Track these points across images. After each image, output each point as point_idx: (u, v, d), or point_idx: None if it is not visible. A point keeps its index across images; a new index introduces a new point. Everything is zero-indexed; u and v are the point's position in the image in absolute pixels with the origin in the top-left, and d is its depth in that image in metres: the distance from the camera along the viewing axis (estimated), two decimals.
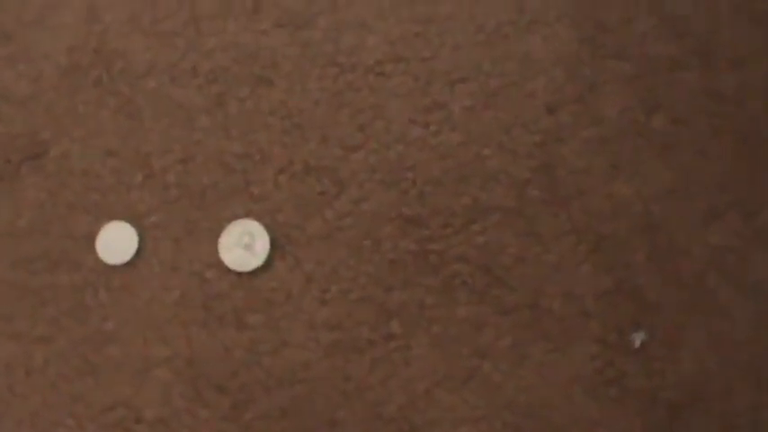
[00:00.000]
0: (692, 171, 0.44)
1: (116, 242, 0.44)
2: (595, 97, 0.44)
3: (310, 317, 0.43)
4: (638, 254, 0.43)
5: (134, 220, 0.44)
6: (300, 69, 0.45)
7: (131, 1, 0.46)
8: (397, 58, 0.45)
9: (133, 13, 0.46)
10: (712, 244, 0.43)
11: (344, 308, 0.43)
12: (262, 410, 0.42)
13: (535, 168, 0.44)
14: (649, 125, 0.44)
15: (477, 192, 0.43)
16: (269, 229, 0.43)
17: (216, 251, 0.43)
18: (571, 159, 0.44)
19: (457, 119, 0.44)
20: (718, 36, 0.45)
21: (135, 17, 0.46)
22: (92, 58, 0.46)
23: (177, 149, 0.45)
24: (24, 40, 0.47)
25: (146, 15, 0.46)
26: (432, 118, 0.44)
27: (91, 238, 0.44)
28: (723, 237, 0.43)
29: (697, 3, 0.45)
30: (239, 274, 0.43)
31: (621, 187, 0.43)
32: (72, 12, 0.47)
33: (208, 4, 0.46)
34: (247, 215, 0.44)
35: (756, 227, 0.43)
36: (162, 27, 0.46)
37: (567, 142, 0.44)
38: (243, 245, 0.43)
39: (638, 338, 0.42)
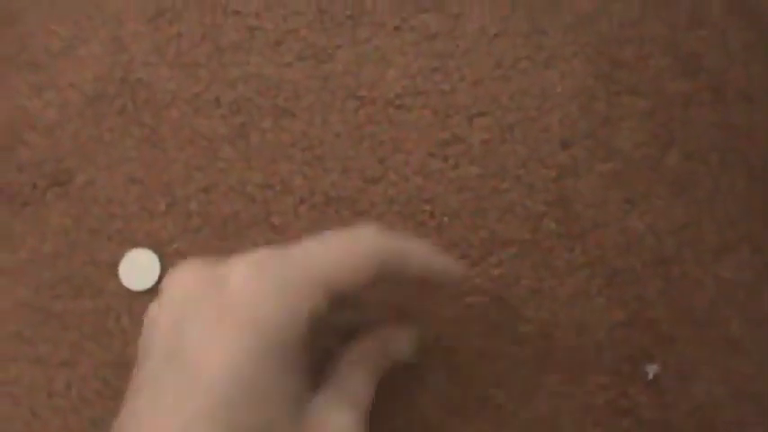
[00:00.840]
0: (705, 206, 0.44)
1: (138, 269, 0.45)
2: (610, 132, 0.45)
3: None
4: (650, 287, 0.44)
5: (156, 248, 0.45)
6: (322, 102, 0.46)
7: (156, 33, 0.48)
8: (417, 92, 0.46)
9: (158, 45, 0.47)
10: (724, 278, 0.44)
11: None
12: None
13: (551, 202, 0.44)
14: (663, 160, 0.45)
15: (493, 224, 0.44)
16: None
17: None
18: (586, 193, 0.44)
19: (475, 152, 0.45)
20: (731, 72, 0.46)
21: (159, 48, 0.47)
22: (117, 88, 0.47)
23: (200, 178, 0.46)
24: (52, 70, 0.48)
25: (170, 47, 0.47)
26: (450, 151, 0.45)
27: (114, 265, 0.45)
28: (734, 271, 0.44)
29: (710, 40, 0.46)
30: None
31: (635, 221, 0.44)
32: (99, 43, 0.48)
33: (231, 37, 0.47)
34: (268, 245, 0.45)
35: (766, 261, 0.44)
36: (186, 58, 0.47)
37: (582, 177, 0.45)
38: None
39: (651, 370, 0.43)
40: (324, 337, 0.35)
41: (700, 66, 0.46)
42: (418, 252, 0.31)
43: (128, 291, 0.45)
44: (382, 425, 0.42)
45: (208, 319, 0.27)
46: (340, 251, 0.29)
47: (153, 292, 0.45)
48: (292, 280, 0.28)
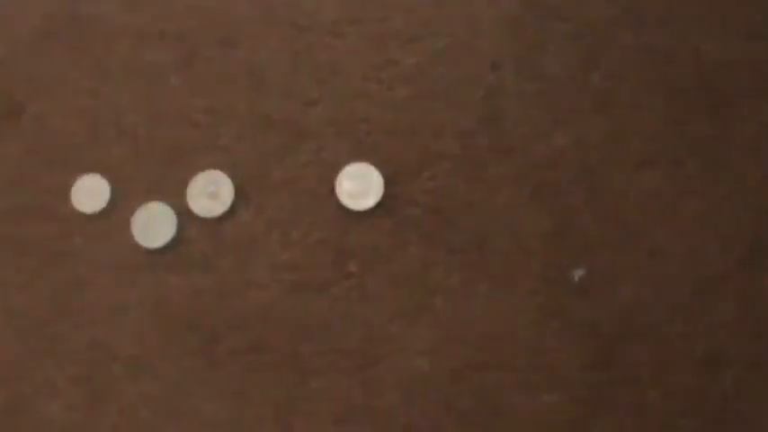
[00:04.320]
0: (627, 122, 0.47)
1: (90, 192, 0.47)
2: (537, 55, 0.48)
3: (273, 259, 0.46)
4: (577, 198, 0.46)
5: (107, 173, 0.47)
6: (263, 31, 0.48)
7: None
8: (353, 20, 0.48)
9: None
10: (647, 188, 0.46)
11: (305, 250, 0.46)
12: (229, 346, 0.45)
13: (480, 119, 0.47)
14: (587, 80, 0.48)
15: (427, 141, 0.47)
16: (233, 178, 0.46)
17: (184, 200, 0.46)
18: (514, 111, 0.47)
19: (407, 74, 0.48)
20: None
21: None
22: (65, 23, 0.49)
23: (147, 106, 0.48)
24: (0, 6, 0.49)
25: None
26: (384, 74, 0.48)
27: (66, 190, 0.47)
28: (656, 182, 0.47)
29: None
30: (206, 220, 0.46)
31: (561, 137, 0.47)
32: None
33: None
34: (214, 167, 0.47)
35: (685, 174, 0.47)
36: None
37: (511, 96, 0.47)
38: (209, 193, 0.46)
39: (577, 275, 0.46)
40: None
41: None
42: None
43: (80, 214, 0.47)
44: (326, 331, 0.45)
45: None
46: None
47: (104, 214, 0.47)
48: None
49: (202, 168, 0.47)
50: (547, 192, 0.46)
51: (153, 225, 0.46)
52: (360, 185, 0.46)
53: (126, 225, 0.46)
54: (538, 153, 0.47)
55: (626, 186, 0.46)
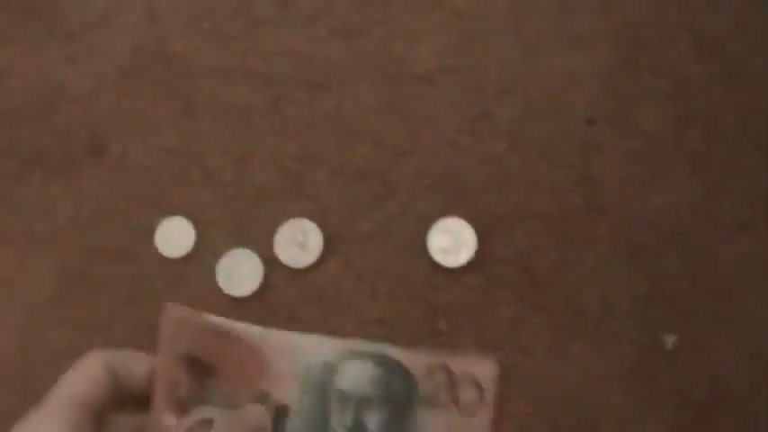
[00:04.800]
0: (722, 184, 0.46)
1: (174, 236, 0.46)
2: (632, 111, 0.47)
3: (360, 313, 0.45)
4: (671, 261, 0.45)
5: (191, 216, 0.46)
6: (354, 77, 0.47)
7: (190, 5, 0.49)
8: (446, 69, 0.47)
9: (192, 17, 0.48)
10: (741, 253, 0.45)
11: (393, 305, 0.45)
12: None
13: (575, 177, 0.46)
14: (682, 139, 0.47)
15: (520, 198, 0.46)
16: (322, 227, 0.46)
17: (271, 248, 0.45)
18: (609, 170, 0.46)
19: (502, 128, 0.47)
20: (749, 56, 0.48)
21: (194, 21, 0.48)
22: (152, 59, 0.48)
23: (234, 149, 0.47)
24: (87, 40, 0.49)
25: (205, 20, 0.48)
26: (478, 127, 0.47)
27: (149, 232, 0.46)
28: (751, 247, 0.46)
29: (729, 25, 0.48)
30: (293, 270, 0.45)
31: (656, 197, 0.46)
32: (134, 14, 0.49)
33: (265, 11, 0.48)
34: (301, 214, 0.46)
35: None
36: (220, 31, 0.48)
37: (606, 153, 0.46)
38: (297, 243, 0.45)
39: (669, 340, 0.45)
40: None
41: (720, 49, 0.47)
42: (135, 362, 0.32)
43: (163, 257, 0.46)
44: None
45: None
46: (70, 374, 0.30)
47: (188, 258, 0.46)
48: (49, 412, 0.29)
49: (290, 216, 0.46)
50: (640, 253, 0.45)
51: (238, 272, 0.45)
52: (452, 241, 0.45)
53: (210, 271, 0.46)
54: (632, 213, 0.46)
55: (720, 250, 0.45)
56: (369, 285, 0.45)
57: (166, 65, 0.48)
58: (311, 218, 0.46)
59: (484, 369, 0.32)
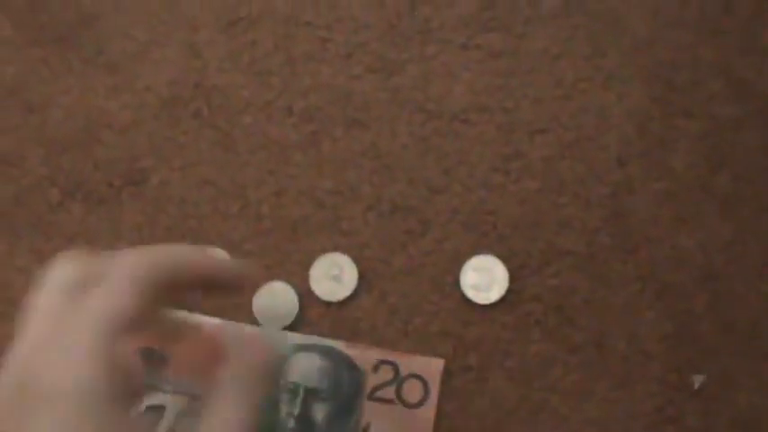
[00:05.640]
0: (751, 226, 0.47)
1: None
2: (664, 152, 0.48)
3: (393, 346, 0.46)
4: (698, 301, 0.46)
5: (228, 248, 0.47)
6: (390, 114, 0.48)
7: (230, 40, 0.50)
8: (481, 108, 0.48)
9: (232, 52, 0.49)
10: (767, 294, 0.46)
11: (425, 339, 0.46)
12: None
13: (606, 217, 0.47)
14: (713, 181, 0.47)
15: (551, 236, 0.47)
16: (357, 262, 0.46)
17: (307, 281, 0.46)
18: (639, 210, 0.47)
19: (535, 167, 0.47)
20: None
21: (233, 56, 0.49)
22: (191, 92, 0.49)
23: (271, 183, 0.48)
24: (128, 72, 0.50)
25: (244, 55, 0.49)
26: (512, 165, 0.47)
27: None
28: None
29: (761, 66, 0.48)
30: (328, 303, 0.46)
31: (685, 238, 0.47)
32: (174, 48, 0.50)
33: (303, 48, 0.49)
34: (336, 249, 0.47)
35: None
36: (259, 66, 0.49)
37: (637, 194, 0.47)
38: (332, 276, 0.46)
39: (697, 380, 0.45)
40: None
41: (751, 90, 0.48)
42: (186, 258, 0.30)
43: None
44: (443, 423, 0.45)
45: (64, 345, 0.27)
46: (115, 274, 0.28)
47: None
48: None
49: (325, 250, 0.47)
50: (669, 294, 0.46)
51: (274, 305, 0.46)
52: (484, 278, 0.46)
53: (247, 303, 0.47)
54: (662, 254, 0.47)
55: (748, 292, 0.46)
56: (401, 320, 0.46)
57: (206, 97, 0.49)
58: (346, 252, 0.47)
59: (429, 366, 0.33)
